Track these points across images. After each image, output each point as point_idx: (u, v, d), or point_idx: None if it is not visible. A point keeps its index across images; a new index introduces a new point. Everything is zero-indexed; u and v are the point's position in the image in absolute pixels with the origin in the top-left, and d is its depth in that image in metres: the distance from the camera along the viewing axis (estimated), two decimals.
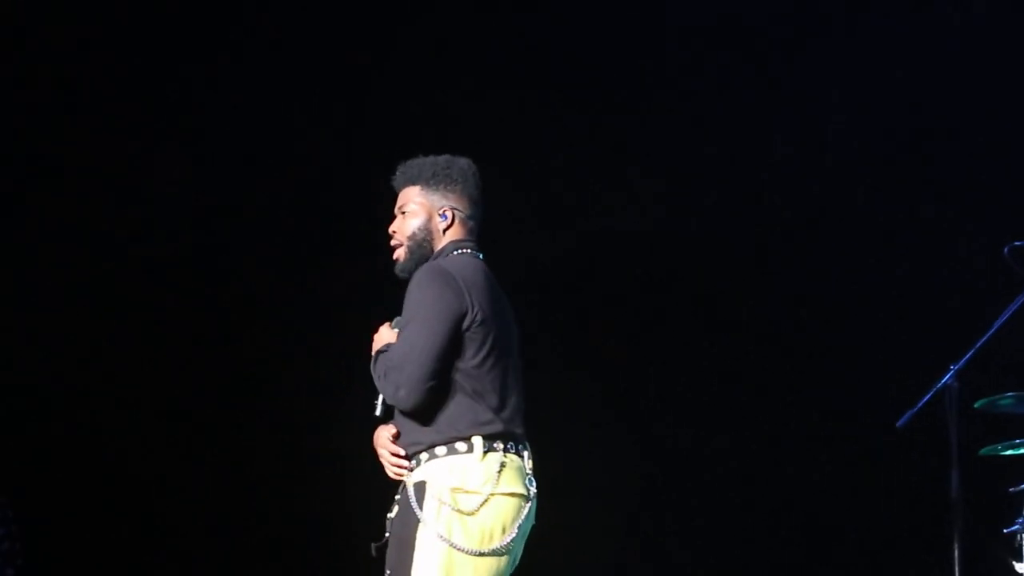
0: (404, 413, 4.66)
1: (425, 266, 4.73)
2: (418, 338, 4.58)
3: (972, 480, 5.53)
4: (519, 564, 4.68)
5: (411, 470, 4.63)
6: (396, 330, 4.74)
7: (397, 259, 4.86)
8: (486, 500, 4.55)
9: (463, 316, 4.61)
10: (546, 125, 8.02)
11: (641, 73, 8.00)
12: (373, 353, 4.77)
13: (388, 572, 4.61)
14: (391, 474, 4.70)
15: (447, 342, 4.59)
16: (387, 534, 4.65)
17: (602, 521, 7.90)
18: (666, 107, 7.99)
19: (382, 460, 4.72)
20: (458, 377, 4.61)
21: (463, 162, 4.91)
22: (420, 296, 4.63)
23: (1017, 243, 5.61)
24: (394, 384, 4.61)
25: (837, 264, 7.76)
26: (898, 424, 5.66)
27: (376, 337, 4.80)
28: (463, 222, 4.86)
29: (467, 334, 4.62)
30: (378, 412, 4.78)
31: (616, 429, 8.11)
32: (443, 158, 4.90)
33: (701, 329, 8.05)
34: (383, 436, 4.72)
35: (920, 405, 5.62)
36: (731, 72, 7.91)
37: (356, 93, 8.17)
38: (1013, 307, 5.59)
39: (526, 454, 4.69)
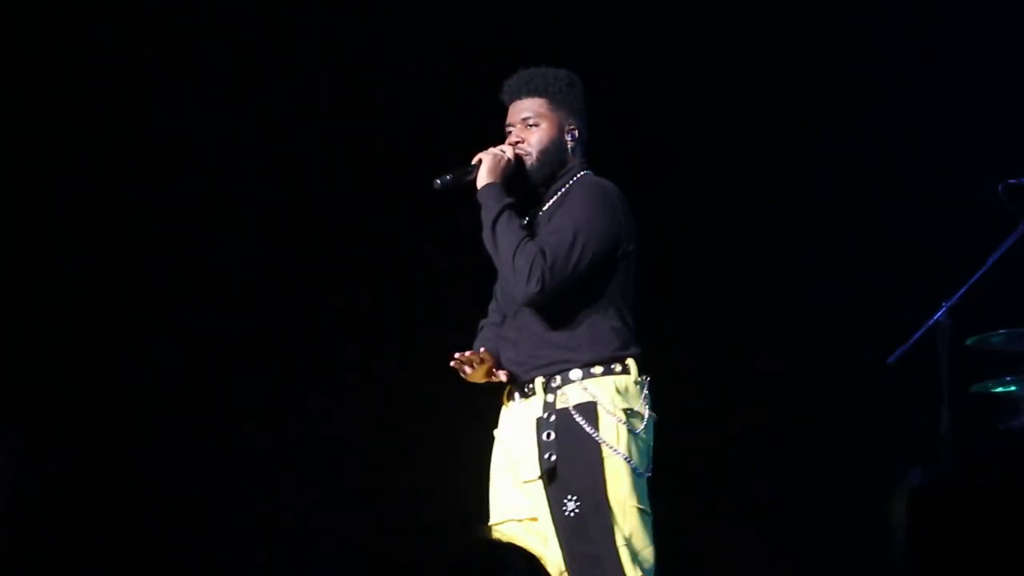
0: (547, 322, 4.60)
1: (591, 179, 4.72)
2: (579, 235, 4.57)
3: (963, 417, 5.56)
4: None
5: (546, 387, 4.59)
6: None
7: (526, 164, 4.75)
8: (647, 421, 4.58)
9: (620, 241, 4.64)
10: None
11: None
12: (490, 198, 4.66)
13: (573, 498, 4.48)
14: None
15: (602, 254, 4.59)
16: (550, 458, 4.52)
17: None
18: None
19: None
20: (614, 297, 4.62)
21: (578, 80, 4.81)
22: (588, 205, 4.63)
23: (1012, 181, 5.62)
24: (539, 268, 4.53)
25: (827, 200, 7.66)
26: (889, 360, 5.69)
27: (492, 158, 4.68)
28: (584, 144, 4.80)
29: (619, 261, 4.65)
30: (439, 184, 4.69)
31: None
32: (563, 72, 4.78)
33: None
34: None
35: (912, 341, 5.64)
36: None
37: None
38: (1006, 244, 5.61)
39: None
